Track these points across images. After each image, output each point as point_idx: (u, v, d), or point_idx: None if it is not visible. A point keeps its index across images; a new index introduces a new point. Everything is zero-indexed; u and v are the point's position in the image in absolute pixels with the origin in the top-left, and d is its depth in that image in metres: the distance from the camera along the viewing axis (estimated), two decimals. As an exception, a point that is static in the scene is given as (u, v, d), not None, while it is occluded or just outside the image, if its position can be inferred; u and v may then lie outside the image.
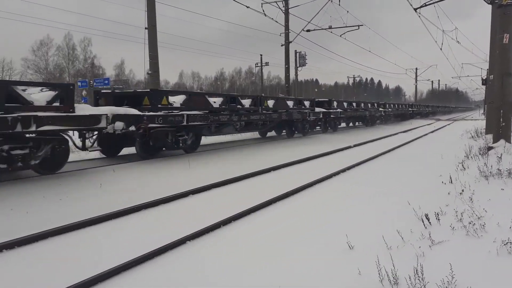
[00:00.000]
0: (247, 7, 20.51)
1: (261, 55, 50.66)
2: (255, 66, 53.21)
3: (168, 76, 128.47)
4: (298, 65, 34.55)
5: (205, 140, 14.77)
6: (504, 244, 3.71)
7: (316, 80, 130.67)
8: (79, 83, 30.05)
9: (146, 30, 16.87)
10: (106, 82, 31.36)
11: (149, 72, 17.47)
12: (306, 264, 3.96)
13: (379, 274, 3.40)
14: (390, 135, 21.52)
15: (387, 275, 3.35)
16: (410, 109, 45.32)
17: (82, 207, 6.19)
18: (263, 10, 22.91)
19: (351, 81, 79.04)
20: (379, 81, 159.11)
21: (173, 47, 62.93)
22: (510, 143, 10.71)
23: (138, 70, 74.83)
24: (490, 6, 13.51)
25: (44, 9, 62.25)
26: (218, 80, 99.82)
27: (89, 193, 7.00)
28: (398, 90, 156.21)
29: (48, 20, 76.64)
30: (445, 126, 32.00)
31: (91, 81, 33.02)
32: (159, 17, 17.10)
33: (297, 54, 34.37)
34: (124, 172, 8.72)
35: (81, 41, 61.78)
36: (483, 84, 20.67)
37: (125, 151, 11.69)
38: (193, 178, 8.34)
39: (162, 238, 4.69)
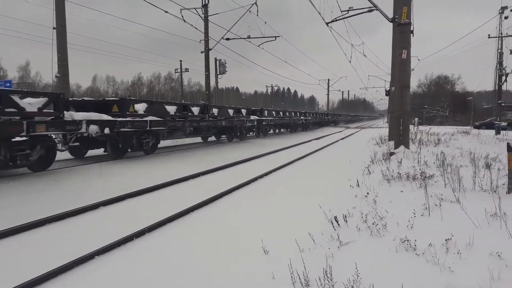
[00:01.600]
0: (166, 11, 20.14)
1: (180, 61, 50.03)
2: (175, 72, 52.31)
3: (80, 79, 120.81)
4: (218, 73, 34.68)
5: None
6: (402, 242, 4.06)
7: (237, 88, 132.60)
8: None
9: (55, 30, 15.73)
10: (8, 84, 28.56)
11: (58, 75, 16.28)
12: (226, 267, 3.94)
13: (291, 276, 3.50)
14: (309, 141, 23.26)
15: (299, 277, 3.46)
16: (326, 117, 48.59)
17: None
18: (182, 16, 22.72)
19: (269, 90, 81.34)
20: (295, 90, 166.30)
21: (87, 50, 59.39)
22: (409, 149, 11.82)
23: (45, 73, 69.27)
24: (391, 24, 14.84)
25: None
26: (136, 84, 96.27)
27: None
28: (312, 100, 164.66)
29: None
30: (354, 133, 34.34)
31: (-11, 83, 29.79)
32: (73, 18, 16.06)
33: (217, 61, 34.52)
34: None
35: (-23, 39, 55.59)
36: (386, 95, 22.52)
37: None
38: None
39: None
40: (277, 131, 32.87)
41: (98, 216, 5.95)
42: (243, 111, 22.41)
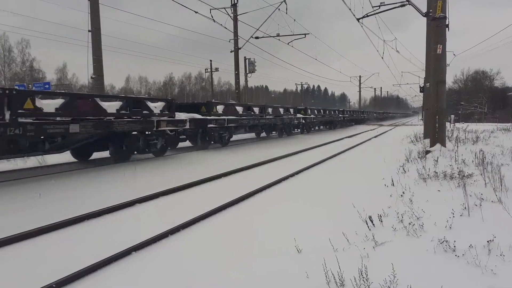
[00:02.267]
0: (196, 12, 20.39)
1: (210, 60, 50.49)
2: (205, 72, 52.87)
3: (114, 80, 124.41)
4: (247, 71, 34.87)
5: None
6: (440, 243, 3.93)
7: (266, 86, 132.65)
8: (16, 87, 28.26)
9: (90, 33, 16.25)
10: (47, 86, 29.76)
11: (93, 76, 16.81)
12: (259, 267, 3.94)
13: (326, 276, 3.46)
14: (345, 138, 23.67)
15: (334, 277, 3.42)
16: (361, 115, 47.97)
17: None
18: (212, 16, 22.90)
19: (299, 88, 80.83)
20: (325, 88, 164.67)
21: (121, 51, 61.09)
22: (445, 147, 11.44)
23: (81, 74, 71.82)
24: (425, 18, 14.40)
25: (-24, 8, 58.01)
26: (167, 85, 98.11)
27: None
28: (343, 97, 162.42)
29: (-19, 20, 71.53)
30: (387, 131, 33.60)
31: (30, 85, 31.15)
32: (106, 20, 16.57)
33: (247, 60, 34.68)
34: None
35: (18, 43, 58.30)
36: (420, 91, 21.90)
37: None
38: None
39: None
40: (317, 128, 34.77)
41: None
42: (291, 110, 25.35)
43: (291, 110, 23.62)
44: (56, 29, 71.94)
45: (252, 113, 16.02)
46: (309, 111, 28.34)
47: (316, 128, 34.31)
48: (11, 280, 3.79)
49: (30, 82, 46.19)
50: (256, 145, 18.82)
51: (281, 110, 22.71)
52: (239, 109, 17.97)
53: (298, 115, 25.73)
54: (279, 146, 17.65)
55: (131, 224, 5.52)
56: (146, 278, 3.76)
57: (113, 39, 50.44)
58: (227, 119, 16.51)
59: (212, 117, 15.44)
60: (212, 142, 20.82)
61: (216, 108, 16.32)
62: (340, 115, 38.62)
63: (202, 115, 15.09)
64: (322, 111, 33.01)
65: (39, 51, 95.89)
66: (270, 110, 21.72)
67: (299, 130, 32.36)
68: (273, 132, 25.30)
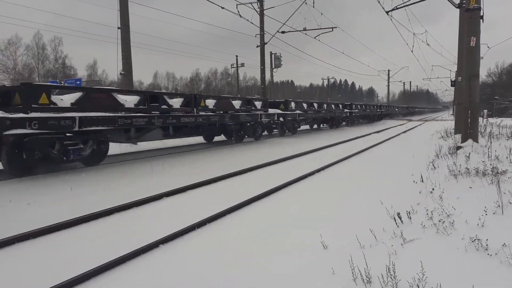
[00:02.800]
0: (222, 7, 20.47)
1: (236, 56, 50.66)
2: (231, 67, 53.13)
3: (142, 76, 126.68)
4: (273, 67, 34.77)
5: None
6: (472, 241, 3.82)
7: (292, 81, 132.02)
8: (49, 83, 29.21)
9: (119, 30, 16.60)
10: (78, 82, 30.61)
11: (122, 72, 17.19)
12: (282, 265, 3.95)
13: (352, 273, 3.43)
14: (356, 138, 20.47)
15: (360, 274, 3.38)
16: (395, 110, 46.66)
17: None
18: (238, 11, 22.92)
19: (325, 82, 79.92)
20: (353, 82, 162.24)
21: (148, 48, 62.12)
22: (478, 142, 11.07)
23: (111, 70, 73.49)
24: (458, 10, 13.94)
25: (11, 7, 60.24)
26: (194, 80, 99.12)
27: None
28: (371, 92, 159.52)
29: (16, 19, 74.30)
30: (417, 126, 32.82)
31: (62, 82, 32.15)
32: (134, 17, 16.90)
33: (273, 55, 34.60)
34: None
35: (51, 41, 60.22)
36: (452, 85, 21.26)
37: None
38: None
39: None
40: (315, 126, 30.21)
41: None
42: (257, 103, 18.57)
43: (258, 104, 18.03)
44: (87, 26, 73.97)
45: (164, 106, 11.88)
46: (292, 104, 22.54)
47: (344, 123, 32.86)
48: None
49: (62, 78, 47.69)
50: (315, 134, 23.75)
51: (333, 106, 25.23)
52: (305, 105, 23.04)
53: (272, 111, 19.89)
54: (330, 136, 21.50)
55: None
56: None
57: (141, 35, 51.36)
58: (299, 113, 21.98)
59: (289, 112, 20.70)
60: (286, 131, 22.63)
61: (291, 104, 21.83)
62: (378, 110, 40.10)
63: (282, 111, 20.05)
64: (363, 106, 37.33)
65: (70, 48, 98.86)
66: (325, 106, 26.92)
67: (344, 123, 33.02)
68: (324, 125, 29.97)
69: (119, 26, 16.53)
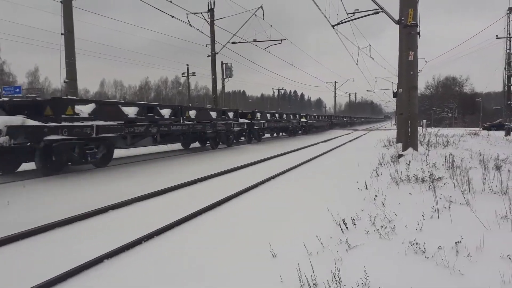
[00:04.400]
0: (172, 16, 20.27)
1: (187, 65, 50.31)
2: (182, 76, 52.53)
3: (88, 84, 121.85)
4: (225, 76, 34.79)
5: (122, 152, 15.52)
6: (411, 245, 4.02)
7: (244, 91, 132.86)
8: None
9: (63, 36, 15.92)
10: (18, 90, 28.92)
11: (66, 80, 16.45)
12: (231, 273, 3.94)
13: (299, 280, 3.49)
14: (312, 145, 22.57)
15: (307, 280, 3.45)
16: (329, 120, 48.34)
17: None
18: (189, 21, 22.84)
19: (276, 93, 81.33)
20: (302, 93, 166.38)
21: (95, 55, 59.96)
22: (417, 151, 11.74)
23: (54, 78, 70.08)
24: (398, 26, 14.78)
25: None
26: (143, 89, 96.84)
27: None
28: (319, 102, 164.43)
29: None
30: (362, 136, 34.18)
31: (0, 89, 30.21)
32: (83, 24, 16.26)
33: (224, 65, 34.64)
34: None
35: (-13, 45, 56.32)
36: (394, 96, 22.41)
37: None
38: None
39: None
40: (275, 135, 32.78)
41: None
42: (230, 113, 20.76)
43: (230, 114, 20.22)
44: (29, 32, 70.15)
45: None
46: (258, 115, 24.70)
47: (275, 135, 33.11)
48: None
49: (0, 85, 44.74)
50: (276, 142, 25.46)
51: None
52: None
53: (242, 120, 21.93)
54: (288, 144, 22.88)
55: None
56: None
57: (87, 42, 49.48)
58: (263, 122, 23.64)
59: (256, 121, 22.16)
60: (253, 139, 23.98)
61: (257, 115, 23.24)
62: (302, 120, 38.99)
63: (249, 121, 21.50)
64: (317, 116, 41.53)
65: (10, 55, 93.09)
66: (285, 116, 29.46)
67: (301, 132, 35.99)
68: (283, 133, 32.43)
69: (63, 32, 15.86)
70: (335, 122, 52.45)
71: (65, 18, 15.84)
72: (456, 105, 68.36)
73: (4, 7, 74.83)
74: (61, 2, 15.73)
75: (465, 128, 37.25)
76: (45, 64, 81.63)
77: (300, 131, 35.74)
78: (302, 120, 35.02)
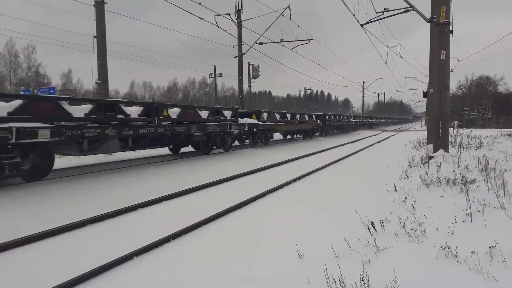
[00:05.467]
0: (200, 18, 20.50)
1: (214, 66, 50.72)
2: (209, 77, 53.11)
3: (119, 85, 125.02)
4: (251, 77, 34.89)
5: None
6: (442, 249, 3.92)
7: (269, 92, 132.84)
8: (21, 92, 28.53)
9: (95, 39, 16.40)
10: (52, 91, 29.92)
11: (98, 81, 16.94)
12: (259, 274, 3.96)
13: (327, 282, 3.47)
14: (335, 147, 21.79)
15: (335, 283, 3.42)
16: (355, 120, 46.44)
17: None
18: (216, 22, 23.02)
19: (302, 93, 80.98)
20: (329, 93, 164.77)
21: (126, 57, 61.61)
22: (448, 152, 11.42)
23: (86, 79, 72.23)
24: (429, 24, 14.42)
25: (-18, 14, 58.64)
26: (171, 90, 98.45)
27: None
28: (346, 102, 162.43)
29: (-13, 26, 72.26)
30: (390, 136, 33.54)
31: (35, 90, 31.40)
32: (114, 27, 16.70)
33: (250, 66, 34.74)
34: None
35: (25, 49, 58.77)
36: (424, 97, 21.86)
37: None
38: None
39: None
40: (289, 137, 30.39)
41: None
42: (227, 113, 17.41)
43: (227, 114, 17.03)
44: (63, 35, 72.76)
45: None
46: (264, 115, 21.88)
47: (317, 134, 33.20)
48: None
49: (36, 87, 46.51)
50: (287, 145, 22.70)
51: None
52: (277, 115, 21.96)
53: (243, 121, 18.76)
54: (303, 147, 21.24)
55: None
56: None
57: (119, 45, 50.78)
58: (271, 123, 21.69)
59: (261, 122, 20.16)
60: (259, 142, 21.90)
61: (262, 115, 20.96)
62: (352, 120, 40.62)
63: (254, 121, 19.37)
64: (337, 116, 38.67)
65: (45, 57, 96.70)
66: (298, 116, 27.02)
67: (318, 133, 33.88)
68: (298, 135, 30.53)
69: (95, 35, 16.34)
70: (362, 122, 51.48)
71: (97, 21, 16.31)
72: (490, 105, 66.00)
73: (40, 11, 77.90)
74: (94, 5, 16.21)
75: (500, 129, 35.89)
76: (79, 66, 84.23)
77: (317, 133, 33.14)
78: (318, 121, 31.78)
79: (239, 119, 18.18)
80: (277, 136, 27.82)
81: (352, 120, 45.26)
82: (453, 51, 12.75)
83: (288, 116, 25.42)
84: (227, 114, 17.08)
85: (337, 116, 39.03)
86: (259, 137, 21.51)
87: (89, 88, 63.57)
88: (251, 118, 20.32)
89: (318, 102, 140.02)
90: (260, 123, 20.67)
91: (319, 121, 31.88)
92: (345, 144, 23.73)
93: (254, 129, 19.89)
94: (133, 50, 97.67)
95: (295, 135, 30.51)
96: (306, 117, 29.40)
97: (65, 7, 70.36)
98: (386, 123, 72.14)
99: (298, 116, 27.52)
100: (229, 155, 16.03)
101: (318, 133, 33.31)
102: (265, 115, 21.81)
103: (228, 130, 16.82)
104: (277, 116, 23.52)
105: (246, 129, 18.74)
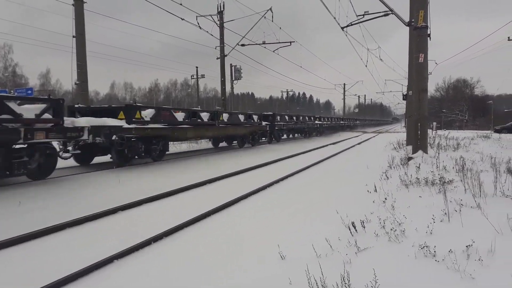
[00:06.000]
0: (182, 19, 20.37)
1: (196, 67, 50.37)
2: (191, 78, 52.69)
3: (99, 86, 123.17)
4: (233, 79, 34.85)
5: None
6: (421, 248, 3.99)
7: (252, 93, 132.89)
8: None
9: (74, 39, 16.10)
10: (30, 92, 29.22)
11: (77, 82, 16.63)
12: (241, 275, 3.95)
13: (308, 282, 3.48)
14: (325, 146, 23.65)
15: (316, 283, 3.44)
16: (341, 122, 48.12)
17: None
18: (198, 23, 22.92)
19: (284, 95, 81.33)
20: (311, 95, 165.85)
21: (106, 58, 60.56)
22: (427, 153, 11.64)
23: (66, 80, 70.91)
24: (408, 28, 14.69)
25: (-44, 12, 56.93)
26: (153, 91, 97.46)
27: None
28: (328, 104, 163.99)
29: (-39, 24, 70.21)
30: (371, 138, 34.00)
31: (12, 91, 30.59)
32: (95, 27, 16.43)
33: (233, 67, 34.71)
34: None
35: (1, 48, 57.23)
36: (403, 99, 22.23)
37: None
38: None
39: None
40: (291, 136, 33.98)
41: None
42: (255, 116, 23.99)
43: (255, 117, 23.24)
44: (42, 34, 71.25)
45: (293, 120, 17.22)
46: (278, 117, 27.28)
47: (314, 133, 36.71)
48: None
49: (12, 87, 45.36)
50: (293, 143, 26.46)
51: (307, 118, 28.89)
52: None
53: (265, 123, 24.65)
54: (304, 144, 24.26)
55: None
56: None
57: (98, 45, 50.03)
58: (283, 124, 26.15)
59: (276, 123, 24.54)
60: (273, 139, 25.82)
61: (277, 117, 25.68)
62: (317, 122, 39.81)
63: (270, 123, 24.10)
64: (329, 119, 42.29)
65: (22, 57, 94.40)
66: (301, 118, 30.75)
67: (315, 133, 36.66)
68: (298, 134, 33.36)
69: (74, 34, 16.04)
70: (345, 124, 52.28)
71: (76, 20, 16.01)
72: (467, 108, 67.68)
73: (18, 11, 76.08)
74: (72, 5, 15.92)
75: (476, 131, 36.84)
76: (58, 67, 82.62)
77: (314, 133, 36.68)
78: (316, 122, 36.52)
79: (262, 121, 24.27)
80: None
81: (341, 122, 46.63)
82: (431, 54, 13.00)
83: (294, 118, 29.95)
84: (255, 117, 23.28)
85: (329, 119, 41.51)
86: (274, 136, 26.36)
87: (69, 89, 62.40)
88: (267, 120, 25.26)
89: (300, 104, 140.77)
90: (276, 123, 24.74)
91: (316, 122, 34.28)
92: (329, 144, 23.99)
93: (272, 129, 25.28)
94: (114, 51, 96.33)
95: (296, 134, 34.08)
96: (307, 118, 31.68)
97: (44, 7, 68.90)
98: (366, 125, 73.12)
99: (301, 118, 29.70)
100: (258, 148, 21.71)
101: (315, 133, 35.70)
102: (278, 117, 27.02)
103: (257, 130, 23.20)
104: (286, 118, 28.42)
105: (268, 128, 24.50)
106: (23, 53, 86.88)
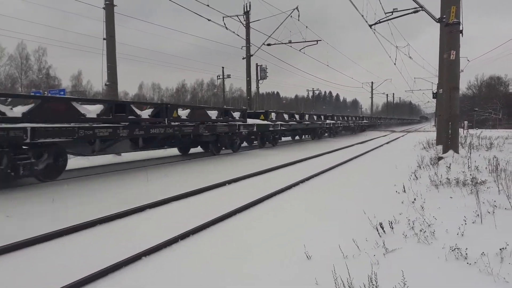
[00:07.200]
0: (208, 20, 20.59)
1: (222, 67, 50.88)
2: (217, 78, 53.24)
3: (128, 87, 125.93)
4: (259, 78, 34.92)
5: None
6: (452, 250, 3.89)
7: (277, 93, 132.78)
8: (32, 94, 28.83)
9: (105, 41, 16.54)
10: (62, 93, 30.26)
11: (107, 83, 17.08)
12: (269, 274, 3.97)
13: (335, 283, 3.46)
14: (344, 148, 21.82)
15: (343, 284, 3.41)
16: (361, 121, 45.72)
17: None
18: (224, 24, 23.11)
19: (310, 94, 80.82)
20: (337, 94, 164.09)
21: (135, 59, 62.05)
22: (458, 153, 11.31)
23: (96, 81, 73.01)
24: (438, 24, 14.31)
25: (-6, 17, 59.60)
26: (180, 91, 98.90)
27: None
28: (355, 103, 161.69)
29: (-1, 29, 73.46)
30: (399, 137, 33.30)
31: (45, 92, 31.79)
32: (125, 29, 16.82)
33: (258, 67, 34.78)
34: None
35: (35, 51, 59.55)
36: (434, 97, 21.74)
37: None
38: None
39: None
40: (297, 138, 29.53)
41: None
42: (236, 114, 17.60)
43: (236, 114, 17.14)
44: (73, 37, 73.63)
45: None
46: (272, 115, 21.56)
47: (326, 134, 33.58)
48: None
49: (46, 89, 47.09)
50: (295, 146, 22.85)
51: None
52: (285, 116, 21.15)
53: (251, 121, 18.58)
54: (313, 148, 20.86)
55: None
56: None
57: (128, 47, 51.24)
58: (280, 123, 20.82)
59: (269, 123, 19.44)
60: (267, 142, 21.55)
61: (271, 115, 20.59)
62: (360, 121, 39.96)
63: (262, 122, 18.91)
64: (346, 117, 38.22)
65: (55, 59, 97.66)
66: (307, 116, 26.51)
67: (327, 134, 33.65)
68: (306, 136, 29.85)
69: (105, 37, 16.48)
70: (370, 123, 51.15)
71: (107, 23, 16.45)
72: (501, 106, 65.22)
73: (53, 15, 78.84)
74: (103, 8, 16.36)
75: (510, 130, 35.45)
76: (88, 68, 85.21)
77: (326, 134, 33.06)
78: (327, 121, 31.23)
79: (248, 119, 18.35)
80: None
81: (360, 121, 44.67)
82: (463, 51, 12.62)
83: (297, 116, 25.28)
84: (236, 114, 17.41)
85: (345, 117, 38.92)
86: (267, 138, 21.42)
87: (99, 90, 64.18)
88: (259, 118, 20.08)
89: (326, 103, 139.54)
90: (269, 123, 20.29)
91: (327, 121, 31.52)
92: (352, 145, 23.63)
93: (262, 130, 19.89)
94: (142, 52, 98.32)
95: (303, 136, 30.48)
96: (315, 117, 29.17)
97: (75, 10, 71.16)
98: (395, 124, 71.65)
99: (306, 116, 27.15)
100: (238, 156, 16.35)
101: (326, 134, 33.65)
102: (273, 115, 21.63)
103: (237, 131, 16.98)
104: (286, 116, 23.39)
105: (255, 129, 18.61)
106: (56, 55, 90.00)
